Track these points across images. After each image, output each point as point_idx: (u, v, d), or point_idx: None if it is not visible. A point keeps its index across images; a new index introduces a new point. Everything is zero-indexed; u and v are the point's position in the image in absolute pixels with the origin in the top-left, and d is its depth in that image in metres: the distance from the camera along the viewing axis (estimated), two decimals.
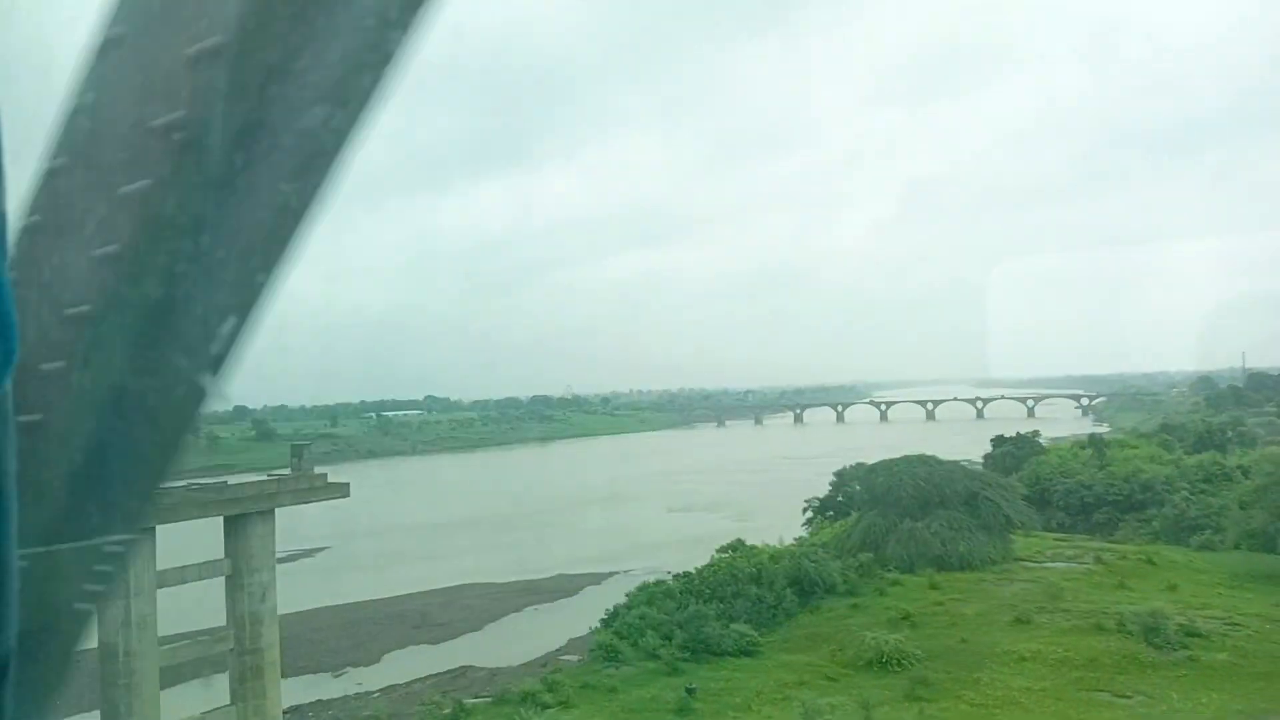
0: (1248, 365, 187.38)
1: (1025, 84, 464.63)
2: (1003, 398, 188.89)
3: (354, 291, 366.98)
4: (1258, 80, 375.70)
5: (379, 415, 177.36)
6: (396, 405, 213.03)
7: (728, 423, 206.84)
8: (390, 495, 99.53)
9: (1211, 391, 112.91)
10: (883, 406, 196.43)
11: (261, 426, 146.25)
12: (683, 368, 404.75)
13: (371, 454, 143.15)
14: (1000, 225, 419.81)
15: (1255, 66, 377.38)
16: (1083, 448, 52.46)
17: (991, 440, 58.08)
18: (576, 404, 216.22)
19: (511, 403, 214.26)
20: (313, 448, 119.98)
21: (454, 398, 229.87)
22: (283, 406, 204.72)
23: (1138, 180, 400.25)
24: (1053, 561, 30.13)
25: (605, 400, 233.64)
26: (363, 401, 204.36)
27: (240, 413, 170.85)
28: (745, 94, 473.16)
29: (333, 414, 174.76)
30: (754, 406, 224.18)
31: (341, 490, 27.09)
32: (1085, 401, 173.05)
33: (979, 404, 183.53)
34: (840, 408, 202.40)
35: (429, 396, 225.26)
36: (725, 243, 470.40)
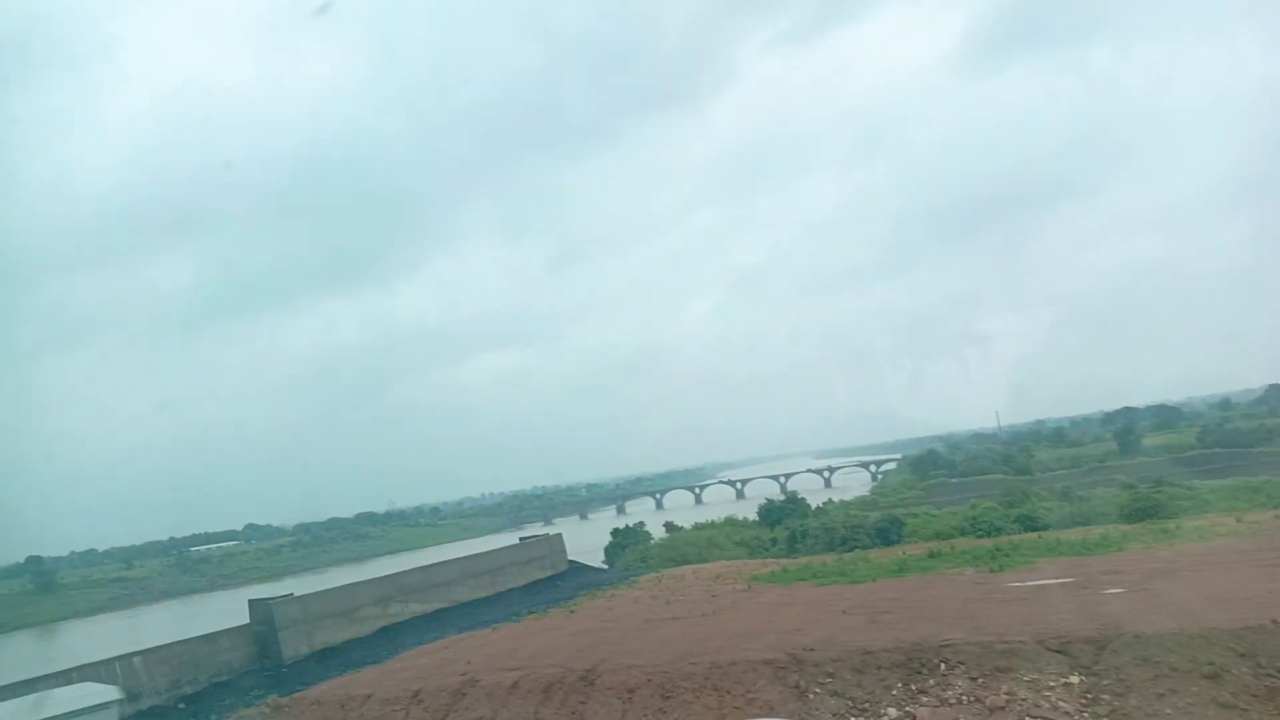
0: (1003, 424, 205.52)
1: (826, 179, 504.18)
2: (808, 471, 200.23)
3: (181, 423, 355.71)
4: (1028, 166, 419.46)
5: (182, 552, 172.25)
6: (211, 538, 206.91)
7: (555, 521, 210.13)
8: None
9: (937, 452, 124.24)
10: (697, 490, 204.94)
11: (43, 578, 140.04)
12: (531, 468, 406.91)
13: (165, 594, 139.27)
14: (822, 306, 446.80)
15: (1025, 154, 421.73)
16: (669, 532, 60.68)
17: (610, 532, 65.64)
18: (400, 518, 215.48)
19: (335, 523, 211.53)
20: (97, 594, 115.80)
21: (277, 524, 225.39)
22: (91, 550, 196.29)
23: (934, 258, 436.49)
24: None
25: (435, 510, 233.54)
26: (172, 538, 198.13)
27: (34, 563, 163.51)
28: (581, 203, 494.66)
29: (128, 556, 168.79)
30: (582, 501, 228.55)
31: None
32: (873, 469, 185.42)
33: (782, 479, 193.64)
34: (659, 495, 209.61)
35: (249, 526, 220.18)
36: (570, 342, 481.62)
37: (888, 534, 48.93)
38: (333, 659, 30.02)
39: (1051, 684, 19.15)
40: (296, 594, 30.21)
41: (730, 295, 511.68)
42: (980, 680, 19.89)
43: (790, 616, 28.97)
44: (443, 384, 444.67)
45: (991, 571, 34.19)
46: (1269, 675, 17.37)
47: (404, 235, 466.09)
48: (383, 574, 36.17)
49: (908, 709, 19.73)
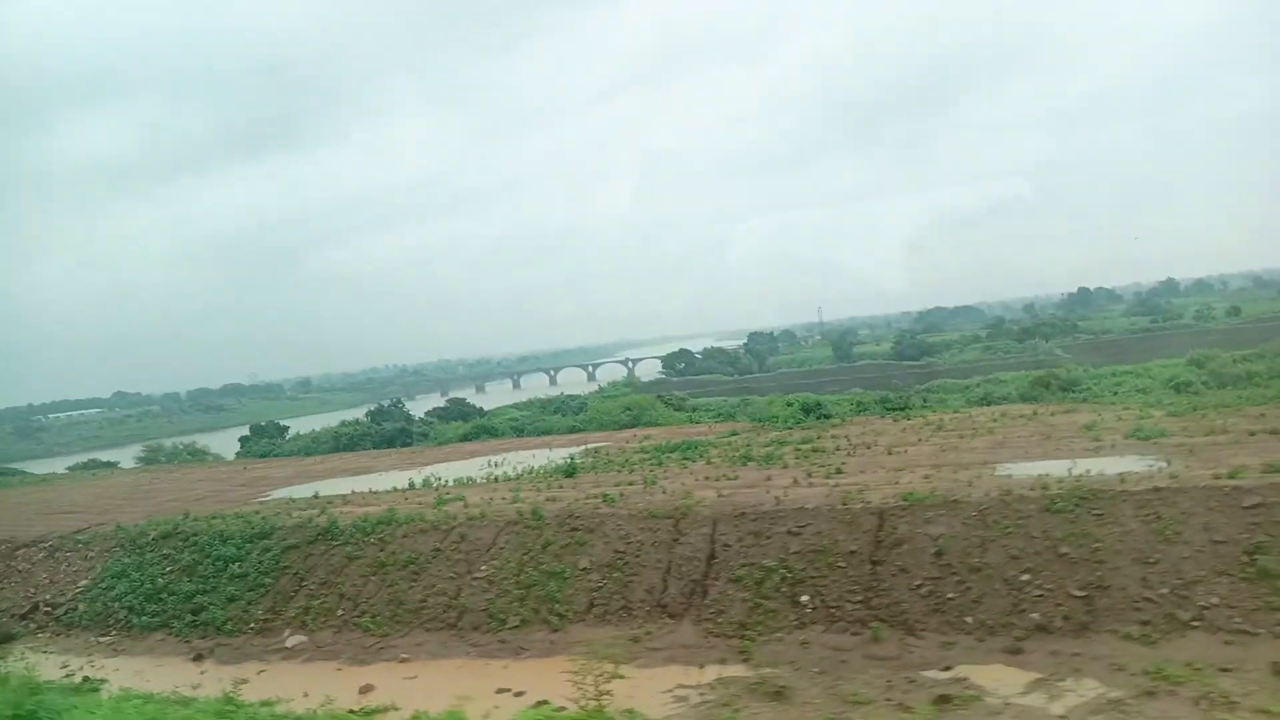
0: (824, 319, 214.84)
1: (744, 72, 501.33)
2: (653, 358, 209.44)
3: (83, 287, 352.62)
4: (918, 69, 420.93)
5: (25, 420, 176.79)
6: (75, 405, 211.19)
7: (417, 398, 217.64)
8: None
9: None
10: (551, 373, 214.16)
11: None
12: (434, 342, 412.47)
13: None
14: (731, 190, 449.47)
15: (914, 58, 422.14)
16: None
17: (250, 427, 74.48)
18: (265, 391, 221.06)
19: (201, 393, 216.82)
20: None
21: (148, 392, 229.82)
22: None
23: (841, 149, 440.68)
24: None
25: (304, 384, 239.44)
26: (30, 404, 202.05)
27: None
28: (507, 81, 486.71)
29: None
30: (450, 380, 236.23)
31: None
32: None
33: (630, 364, 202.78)
34: (516, 377, 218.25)
35: (117, 393, 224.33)
36: (486, 218, 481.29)
37: (394, 440, 56.31)
38: None
39: None
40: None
41: (646, 177, 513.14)
42: None
43: None
44: (354, 256, 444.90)
45: None
46: None
47: (330, 105, 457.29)
48: None
49: None
